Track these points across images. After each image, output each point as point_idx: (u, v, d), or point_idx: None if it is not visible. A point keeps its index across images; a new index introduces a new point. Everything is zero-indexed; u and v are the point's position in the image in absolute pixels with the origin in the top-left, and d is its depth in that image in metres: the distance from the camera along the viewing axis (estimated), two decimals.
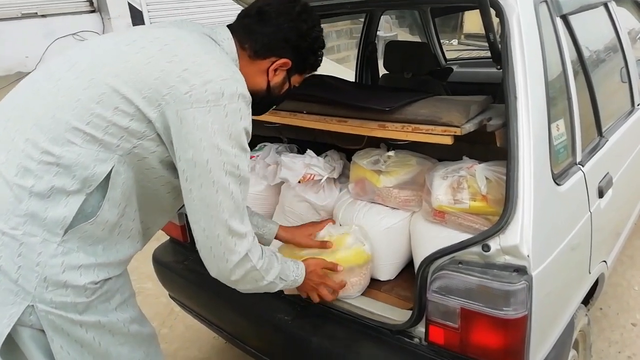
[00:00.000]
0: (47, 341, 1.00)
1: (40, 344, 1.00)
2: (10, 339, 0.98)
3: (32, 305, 0.96)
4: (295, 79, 1.29)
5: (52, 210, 0.96)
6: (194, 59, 1.01)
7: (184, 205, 1.08)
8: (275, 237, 1.54)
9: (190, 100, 0.97)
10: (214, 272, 1.10)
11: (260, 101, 1.21)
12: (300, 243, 1.52)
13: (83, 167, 0.97)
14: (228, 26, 1.19)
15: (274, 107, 1.35)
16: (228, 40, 1.15)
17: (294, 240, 1.54)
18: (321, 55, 1.29)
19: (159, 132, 1.01)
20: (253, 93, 1.09)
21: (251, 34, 1.17)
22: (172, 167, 1.08)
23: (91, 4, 6.78)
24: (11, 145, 0.99)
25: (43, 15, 6.31)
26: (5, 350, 0.98)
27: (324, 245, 1.49)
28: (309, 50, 1.23)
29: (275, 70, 1.20)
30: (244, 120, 1.03)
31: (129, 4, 6.96)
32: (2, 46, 5.88)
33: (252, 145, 2.17)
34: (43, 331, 0.99)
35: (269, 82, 1.21)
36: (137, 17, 7.09)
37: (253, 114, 1.09)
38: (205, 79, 0.98)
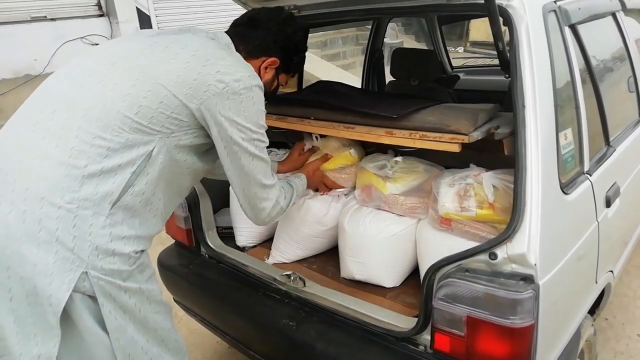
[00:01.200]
0: (97, 307, 1.09)
1: (92, 309, 1.09)
2: (67, 306, 1.06)
3: (86, 272, 1.06)
4: (283, 78, 1.48)
5: (102, 187, 1.09)
6: (222, 62, 1.20)
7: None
8: (277, 172, 1.83)
9: (227, 94, 1.18)
10: (253, 219, 1.39)
11: None
12: (298, 166, 1.84)
13: (129, 149, 1.12)
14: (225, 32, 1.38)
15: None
16: (230, 45, 1.33)
17: (292, 168, 1.84)
18: (304, 58, 1.54)
19: (198, 119, 1.19)
20: None
21: (244, 38, 1.36)
22: (199, 151, 1.27)
23: (100, 8, 6.83)
24: (62, 133, 1.11)
25: (52, 19, 6.36)
26: (62, 318, 1.05)
27: (313, 151, 1.86)
28: (294, 51, 1.43)
29: (266, 68, 1.39)
30: (263, 105, 1.27)
31: (137, 8, 7.02)
32: (11, 49, 5.93)
33: None
34: (93, 298, 1.08)
35: (260, 79, 1.34)
36: (144, 22, 7.14)
37: None
38: (236, 77, 1.19)
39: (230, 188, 1.48)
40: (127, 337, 1.13)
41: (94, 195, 1.08)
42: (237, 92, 1.18)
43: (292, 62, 1.45)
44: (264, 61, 1.38)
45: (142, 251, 1.18)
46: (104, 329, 1.10)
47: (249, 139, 1.24)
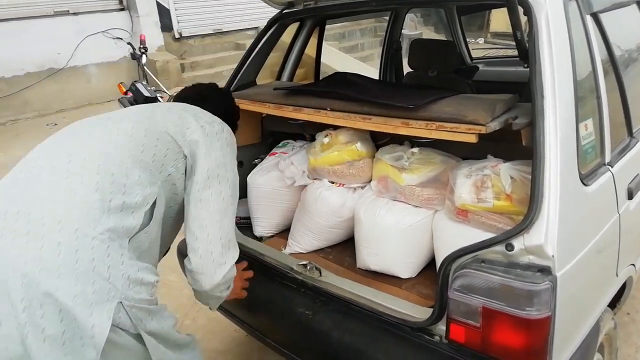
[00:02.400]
0: (130, 338, 1.10)
1: (127, 340, 1.10)
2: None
3: (121, 302, 1.07)
4: None
5: (125, 221, 1.13)
6: (194, 112, 1.40)
7: None
8: None
9: (205, 131, 1.33)
10: (209, 278, 1.26)
11: None
12: None
13: (142, 187, 1.19)
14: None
15: None
16: None
17: None
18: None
19: (187, 157, 1.29)
20: None
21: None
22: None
23: (121, 2, 6.93)
24: (83, 171, 1.16)
25: (75, 13, 6.48)
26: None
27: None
28: (235, 118, 1.72)
29: None
30: (235, 149, 1.42)
31: (157, 2, 7.09)
32: (35, 43, 6.07)
33: (277, 141, 2.20)
34: (125, 330, 1.09)
35: None
36: (164, 15, 7.22)
37: None
38: (209, 120, 1.39)
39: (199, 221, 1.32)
40: (161, 351, 1.17)
41: (120, 228, 1.12)
42: (212, 132, 1.33)
43: (234, 128, 1.62)
44: None
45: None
46: (146, 352, 1.12)
47: (224, 177, 1.31)
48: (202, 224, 1.26)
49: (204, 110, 1.44)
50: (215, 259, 1.25)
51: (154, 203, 1.21)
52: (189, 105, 1.47)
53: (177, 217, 1.36)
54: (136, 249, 1.16)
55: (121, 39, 6.72)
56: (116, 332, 1.07)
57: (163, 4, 7.20)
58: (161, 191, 1.23)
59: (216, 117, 1.43)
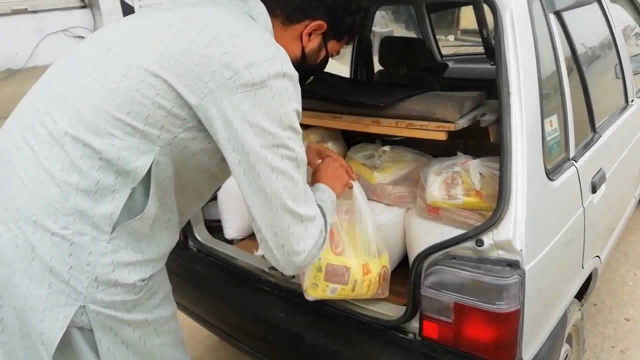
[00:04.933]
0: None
1: (92, 343, 0.97)
2: (62, 340, 0.95)
3: (84, 306, 0.94)
4: (333, 46, 1.21)
5: (100, 207, 0.92)
6: (234, 41, 0.94)
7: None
8: None
9: (234, 85, 0.91)
10: (284, 267, 1.02)
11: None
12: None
13: (125, 161, 0.93)
14: None
15: (312, 77, 1.29)
16: (263, 16, 1.08)
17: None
18: (359, 20, 1.21)
19: (201, 120, 0.96)
20: None
21: None
22: (212, 154, 1.02)
23: None
24: (52, 141, 0.94)
25: (33, 12, 6.23)
26: (57, 353, 0.94)
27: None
28: (345, 11, 1.15)
29: (310, 34, 1.13)
30: (292, 100, 0.96)
31: None
32: None
33: None
34: (92, 331, 0.97)
35: (303, 48, 1.15)
36: (128, 13, 7.03)
37: None
38: (248, 62, 0.92)
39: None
40: None
41: (92, 217, 0.92)
42: (247, 83, 0.90)
43: (344, 26, 1.16)
44: (306, 26, 1.11)
45: (151, 276, 1.01)
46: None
47: (270, 146, 0.93)
48: (261, 212, 0.97)
49: (254, 35, 0.98)
50: (290, 251, 0.99)
51: (149, 174, 0.95)
52: (234, 24, 0.99)
53: (209, 174, 1.07)
54: (130, 235, 0.96)
55: (83, 37, 6.51)
56: (83, 332, 0.96)
57: (127, 1, 7.01)
58: (161, 159, 0.95)
59: (270, 47, 0.97)
